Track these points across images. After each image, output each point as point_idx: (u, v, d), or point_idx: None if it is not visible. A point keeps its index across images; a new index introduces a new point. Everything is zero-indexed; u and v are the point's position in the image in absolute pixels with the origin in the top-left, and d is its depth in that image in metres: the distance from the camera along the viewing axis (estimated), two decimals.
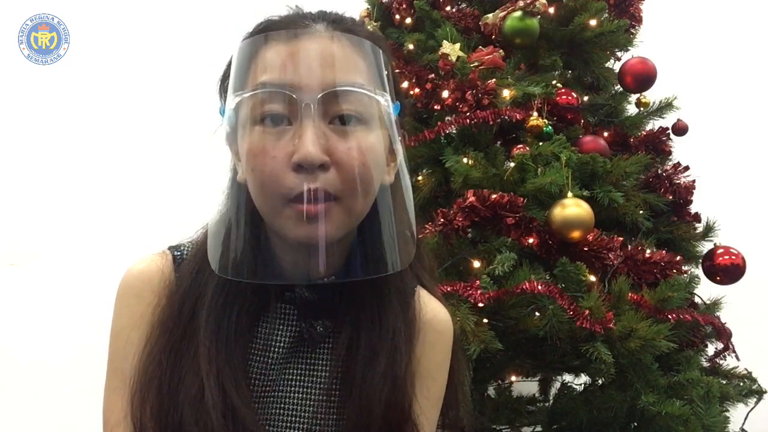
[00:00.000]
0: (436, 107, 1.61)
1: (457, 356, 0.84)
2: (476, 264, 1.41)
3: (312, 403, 0.73)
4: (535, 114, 1.55)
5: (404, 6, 1.85)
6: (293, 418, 0.73)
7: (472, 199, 1.40)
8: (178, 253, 0.78)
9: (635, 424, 1.42)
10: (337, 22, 0.72)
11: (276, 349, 0.73)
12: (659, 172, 1.72)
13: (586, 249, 1.43)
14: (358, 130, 0.68)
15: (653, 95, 1.80)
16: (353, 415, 0.71)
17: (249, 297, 0.72)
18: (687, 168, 1.73)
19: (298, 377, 0.74)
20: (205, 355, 0.69)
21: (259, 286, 0.73)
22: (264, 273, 0.71)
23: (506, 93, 1.55)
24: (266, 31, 0.70)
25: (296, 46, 0.67)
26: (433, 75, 1.64)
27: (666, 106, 1.81)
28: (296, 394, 0.73)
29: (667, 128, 1.79)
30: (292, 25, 0.70)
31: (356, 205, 0.68)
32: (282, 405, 0.73)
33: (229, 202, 0.73)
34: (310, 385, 0.74)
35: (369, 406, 0.70)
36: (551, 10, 1.71)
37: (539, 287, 1.31)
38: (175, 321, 0.72)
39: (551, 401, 1.76)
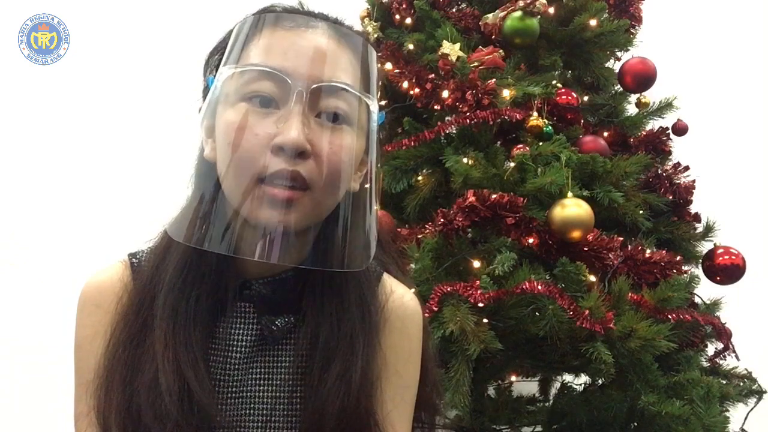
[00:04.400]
0: (436, 107, 1.61)
1: (428, 346, 0.84)
2: (476, 264, 1.41)
3: (276, 400, 0.73)
4: (535, 114, 1.55)
5: (404, 6, 1.84)
6: (258, 416, 0.73)
7: (472, 199, 1.40)
8: (135, 260, 0.78)
9: (635, 424, 1.42)
10: (338, 24, 0.73)
11: (238, 349, 0.73)
12: (659, 172, 1.72)
13: (586, 249, 1.43)
14: (341, 129, 0.69)
15: (653, 95, 1.80)
16: (307, 417, 0.71)
17: (206, 283, 0.72)
18: (687, 168, 1.73)
19: (263, 375, 0.74)
20: (160, 338, 0.69)
21: (217, 277, 0.72)
22: (220, 243, 0.68)
23: (506, 93, 1.55)
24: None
25: (298, 36, 0.68)
26: (433, 75, 1.64)
27: (666, 106, 1.81)
28: (263, 392, 0.73)
29: (667, 128, 1.79)
30: (297, 17, 0.71)
31: (325, 199, 0.68)
32: (249, 404, 0.73)
33: (194, 178, 0.73)
34: (275, 382, 0.73)
35: (323, 408, 0.70)
36: (551, 10, 1.71)
37: (539, 287, 1.31)
38: (134, 315, 0.72)
39: (551, 401, 1.76)
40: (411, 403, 0.81)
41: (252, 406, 0.73)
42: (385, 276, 0.82)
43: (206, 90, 0.74)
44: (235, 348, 0.73)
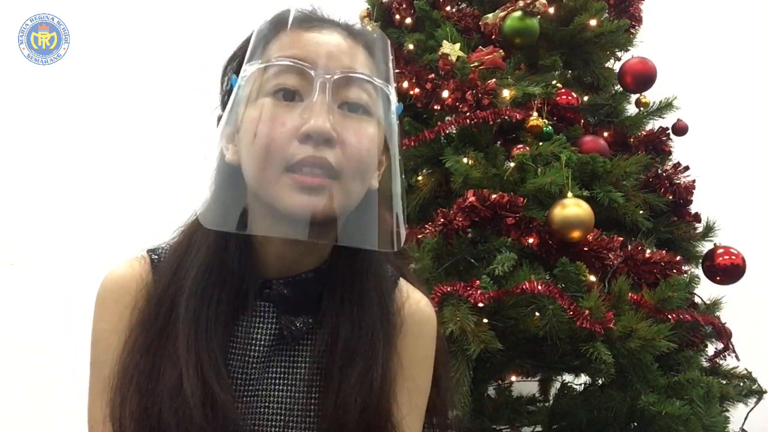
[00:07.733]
0: (436, 107, 1.61)
1: (442, 352, 0.84)
2: (476, 264, 1.41)
3: (293, 400, 0.73)
4: (535, 114, 1.55)
5: (404, 6, 1.85)
6: (275, 415, 0.73)
7: (472, 199, 1.40)
8: (156, 256, 0.78)
9: (635, 424, 1.42)
10: (351, 25, 0.75)
11: (257, 348, 0.74)
12: (659, 172, 1.72)
13: (586, 249, 1.43)
14: (364, 119, 0.70)
15: (653, 95, 1.80)
16: (329, 414, 0.71)
17: (228, 287, 0.72)
18: (687, 168, 1.73)
19: (281, 374, 0.74)
20: (184, 344, 0.69)
21: (239, 280, 0.73)
22: (252, 227, 0.70)
23: (506, 93, 1.55)
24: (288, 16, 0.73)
25: (317, 34, 0.71)
26: (433, 75, 1.64)
27: (666, 106, 1.81)
28: (279, 392, 0.73)
29: (667, 128, 1.79)
30: (313, 20, 0.73)
31: (353, 187, 0.69)
32: (265, 403, 0.73)
33: (216, 178, 0.73)
34: (292, 382, 0.74)
35: (345, 406, 0.70)
36: (551, 10, 1.71)
37: (539, 287, 1.31)
38: (153, 319, 0.72)
39: (551, 401, 1.76)
40: (423, 408, 0.82)
41: (268, 405, 0.73)
42: (402, 281, 0.83)
43: (227, 95, 0.75)
44: (253, 347, 0.74)
